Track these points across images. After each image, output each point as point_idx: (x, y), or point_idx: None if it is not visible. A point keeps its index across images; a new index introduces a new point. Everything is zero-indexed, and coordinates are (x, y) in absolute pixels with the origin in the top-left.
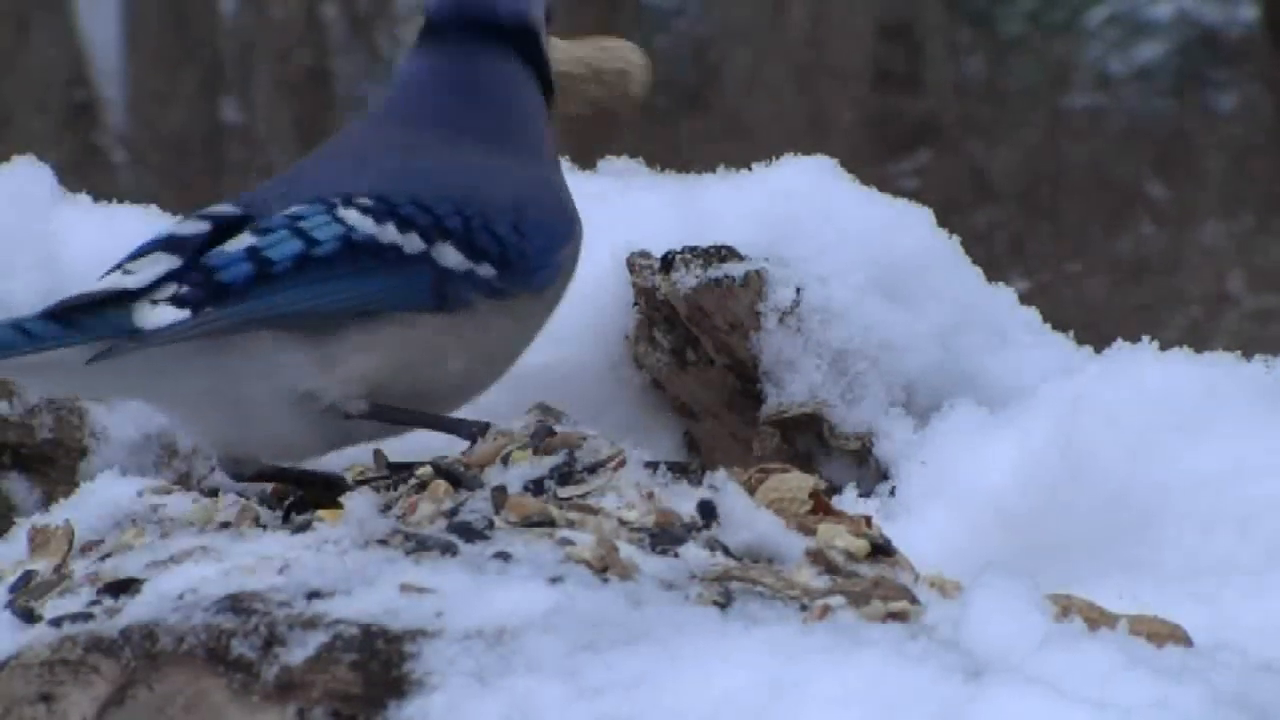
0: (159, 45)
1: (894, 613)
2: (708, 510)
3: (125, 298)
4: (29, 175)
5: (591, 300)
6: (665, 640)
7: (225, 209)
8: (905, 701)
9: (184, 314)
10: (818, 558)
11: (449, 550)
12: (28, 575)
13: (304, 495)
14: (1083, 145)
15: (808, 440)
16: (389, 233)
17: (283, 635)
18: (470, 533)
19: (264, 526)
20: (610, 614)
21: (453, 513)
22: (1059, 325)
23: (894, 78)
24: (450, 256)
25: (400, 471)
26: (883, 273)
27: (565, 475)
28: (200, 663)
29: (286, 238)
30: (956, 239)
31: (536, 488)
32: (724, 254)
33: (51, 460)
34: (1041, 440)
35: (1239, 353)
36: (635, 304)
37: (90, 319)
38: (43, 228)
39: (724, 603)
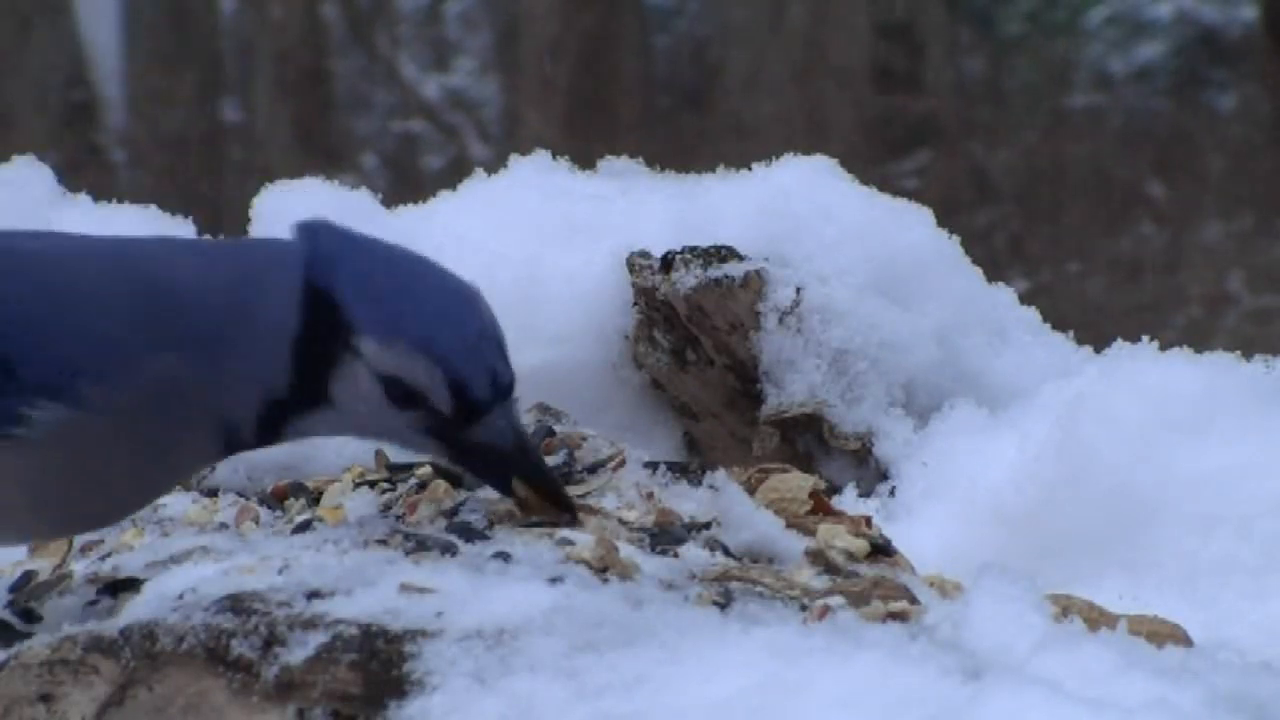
0: (159, 45)
1: (894, 613)
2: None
3: None
4: (29, 175)
5: (591, 300)
6: (665, 640)
7: None
8: (905, 702)
9: None
10: (818, 558)
11: (449, 550)
12: (28, 575)
13: None
14: (1083, 145)
15: (808, 440)
16: None
17: (283, 635)
18: (470, 533)
19: (264, 527)
20: (610, 614)
21: (453, 513)
22: (1059, 325)
23: (894, 78)
24: None
25: (400, 471)
26: (883, 272)
27: (565, 475)
28: (200, 663)
29: None
30: (956, 239)
31: None
32: (724, 254)
33: None
34: (1041, 440)
35: (1239, 353)
36: (635, 304)
37: None
38: (43, 227)
39: (724, 603)
